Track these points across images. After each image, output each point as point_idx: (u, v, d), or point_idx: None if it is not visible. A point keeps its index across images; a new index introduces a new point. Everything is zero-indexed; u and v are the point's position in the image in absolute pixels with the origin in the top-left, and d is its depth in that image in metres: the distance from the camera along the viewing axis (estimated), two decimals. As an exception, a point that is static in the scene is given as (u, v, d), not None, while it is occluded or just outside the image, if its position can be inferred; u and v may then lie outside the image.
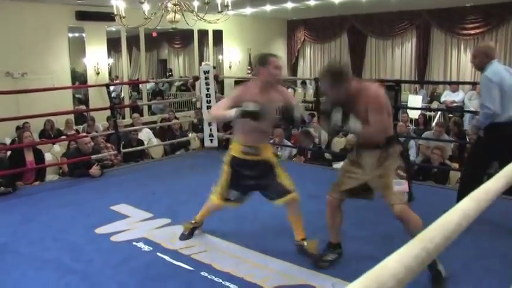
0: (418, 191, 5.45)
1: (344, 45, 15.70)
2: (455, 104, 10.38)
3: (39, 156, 6.56)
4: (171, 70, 17.51)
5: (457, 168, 6.57)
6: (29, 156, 6.33)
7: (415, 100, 11.04)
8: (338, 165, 6.76)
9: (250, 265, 3.66)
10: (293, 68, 16.93)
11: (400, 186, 3.25)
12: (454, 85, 11.00)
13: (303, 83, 15.33)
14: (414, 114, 9.96)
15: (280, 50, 16.52)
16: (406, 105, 10.39)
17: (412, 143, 7.44)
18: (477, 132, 4.54)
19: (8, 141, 8.57)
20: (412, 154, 7.30)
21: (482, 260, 3.71)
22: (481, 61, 4.23)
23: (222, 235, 4.19)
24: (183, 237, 4.17)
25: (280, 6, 12.58)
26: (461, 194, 4.42)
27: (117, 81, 13.09)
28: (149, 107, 13.38)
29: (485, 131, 4.27)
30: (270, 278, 3.45)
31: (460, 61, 13.32)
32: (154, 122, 10.34)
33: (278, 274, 3.51)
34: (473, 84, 10.70)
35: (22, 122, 8.37)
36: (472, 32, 12.81)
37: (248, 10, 13.27)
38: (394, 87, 6.57)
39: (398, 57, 14.72)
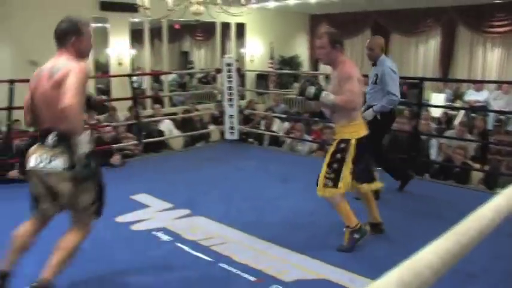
0: (439, 190, 5.48)
1: (366, 41, 15.56)
2: (479, 104, 10.24)
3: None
4: (192, 62, 17.55)
5: (478, 169, 6.49)
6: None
7: (438, 98, 10.91)
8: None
9: (268, 258, 3.67)
10: (315, 63, 16.83)
11: None
12: (479, 84, 10.84)
13: (327, 77, 15.24)
14: (437, 113, 9.83)
15: (302, 45, 16.44)
16: (429, 103, 10.27)
17: (433, 141, 7.36)
18: (372, 117, 4.87)
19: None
20: (434, 153, 7.23)
21: (502, 261, 3.67)
22: (377, 54, 4.84)
23: (241, 227, 4.18)
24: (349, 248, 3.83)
25: (303, 0, 12.52)
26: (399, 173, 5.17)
27: (140, 72, 13.15)
28: (170, 98, 13.45)
29: (382, 115, 4.80)
30: (289, 271, 3.45)
31: (485, 60, 13.07)
32: (175, 114, 10.36)
33: (297, 268, 3.51)
34: (499, 83, 10.56)
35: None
36: (500, 30, 12.54)
37: (271, 4, 13.21)
38: (418, 85, 6.51)
39: (421, 54, 14.52)
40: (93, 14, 10.98)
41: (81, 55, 2.94)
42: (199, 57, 17.56)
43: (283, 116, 9.18)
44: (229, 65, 7.59)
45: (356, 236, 3.78)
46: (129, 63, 12.01)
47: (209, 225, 4.32)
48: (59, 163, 2.79)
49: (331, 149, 3.77)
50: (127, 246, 3.89)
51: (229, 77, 7.59)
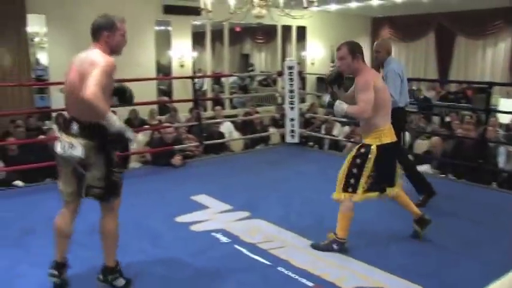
0: (507, 200, 5.24)
1: (430, 44, 15.14)
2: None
3: (125, 143, 6.79)
4: (252, 65, 17.64)
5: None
6: (116, 143, 6.56)
7: (507, 104, 10.45)
8: (420, 168, 6.51)
9: (327, 263, 3.62)
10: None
11: None
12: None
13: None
14: (506, 119, 9.41)
15: (363, 49, 16.19)
16: (497, 109, 9.85)
17: (501, 149, 7.05)
18: None
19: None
20: (502, 161, 6.92)
21: None
22: (383, 56, 4.86)
23: (300, 231, 4.16)
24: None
25: (365, 3, 12.34)
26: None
27: (200, 74, 13.34)
28: (230, 100, 13.57)
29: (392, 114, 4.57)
30: (347, 278, 3.40)
31: None
32: (235, 116, 10.44)
33: (355, 275, 3.44)
34: None
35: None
36: None
37: (333, 6, 13.11)
38: (486, 90, 6.27)
39: (489, 58, 13.97)
40: (156, 17, 11.27)
41: (112, 50, 3.05)
42: (260, 60, 17.62)
43: (344, 120, 9.06)
44: (290, 68, 7.58)
45: (335, 247, 3.82)
46: (190, 65, 12.20)
47: (268, 228, 4.31)
48: (78, 151, 2.93)
49: (352, 153, 3.81)
50: (186, 246, 3.93)
51: (291, 80, 7.57)
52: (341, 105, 3.66)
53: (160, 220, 4.51)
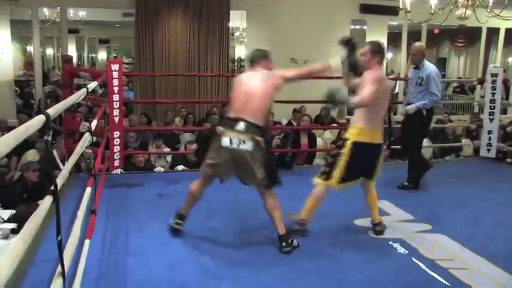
0: None
1: None
2: None
3: (312, 140, 6.94)
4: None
5: None
6: (304, 139, 6.76)
7: None
8: None
9: (516, 296, 3.25)
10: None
11: None
12: None
13: None
14: None
15: None
16: None
17: None
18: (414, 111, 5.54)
19: (284, 122, 9.22)
20: None
21: None
22: (419, 59, 5.50)
23: (487, 255, 3.77)
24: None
25: None
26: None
27: (393, 76, 13.02)
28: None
29: (427, 111, 5.52)
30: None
31: None
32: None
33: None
34: None
35: (299, 105, 8.98)
36: None
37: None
38: None
39: None
40: (353, 16, 11.29)
41: None
42: (458, 65, 16.57)
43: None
44: (494, 75, 6.94)
45: (297, 227, 4.02)
46: (384, 66, 11.99)
47: (450, 245, 4.01)
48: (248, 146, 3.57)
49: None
50: (362, 251, 3.86)
51: (493, 88, 6.94)
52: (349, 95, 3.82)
53: (338, 220, 4.48)
